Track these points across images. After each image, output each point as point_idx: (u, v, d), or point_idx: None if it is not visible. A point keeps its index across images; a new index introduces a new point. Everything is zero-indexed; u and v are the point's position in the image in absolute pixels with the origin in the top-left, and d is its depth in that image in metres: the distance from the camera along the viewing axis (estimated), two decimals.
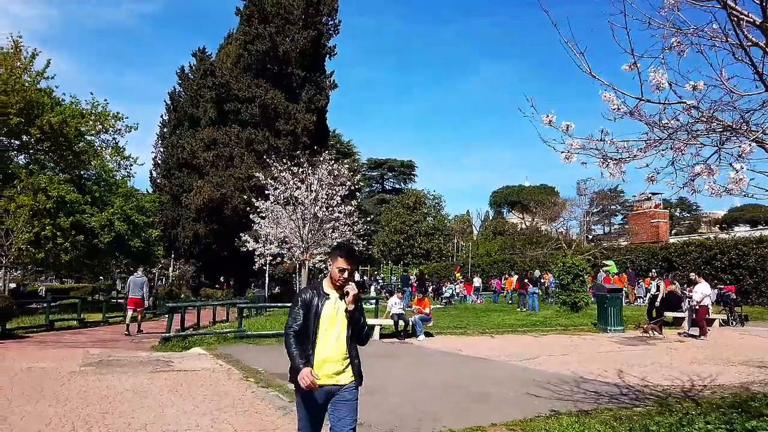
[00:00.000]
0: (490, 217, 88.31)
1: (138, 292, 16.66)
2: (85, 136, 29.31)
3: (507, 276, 34.28)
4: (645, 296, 24.91)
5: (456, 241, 74.28)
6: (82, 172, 29.16)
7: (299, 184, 16.45)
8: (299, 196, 16.40)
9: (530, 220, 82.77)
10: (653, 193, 35.53)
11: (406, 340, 13.97)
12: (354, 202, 18.47)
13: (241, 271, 35.73)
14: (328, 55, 35.70)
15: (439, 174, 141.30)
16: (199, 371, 9.77)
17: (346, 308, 3.56)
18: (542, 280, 26.56)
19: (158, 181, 41.45)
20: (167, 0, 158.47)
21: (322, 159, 16.90)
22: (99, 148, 30.51)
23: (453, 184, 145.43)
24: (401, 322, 14.22)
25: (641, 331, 14.79)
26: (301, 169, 16.75)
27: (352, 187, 17.53)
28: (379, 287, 38.34)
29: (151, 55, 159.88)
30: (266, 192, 17.09)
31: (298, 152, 18.66)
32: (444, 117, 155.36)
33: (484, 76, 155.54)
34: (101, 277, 41.97)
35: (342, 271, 3.57)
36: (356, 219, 17.73)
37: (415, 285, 27.80)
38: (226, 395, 7.76)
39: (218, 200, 31.49)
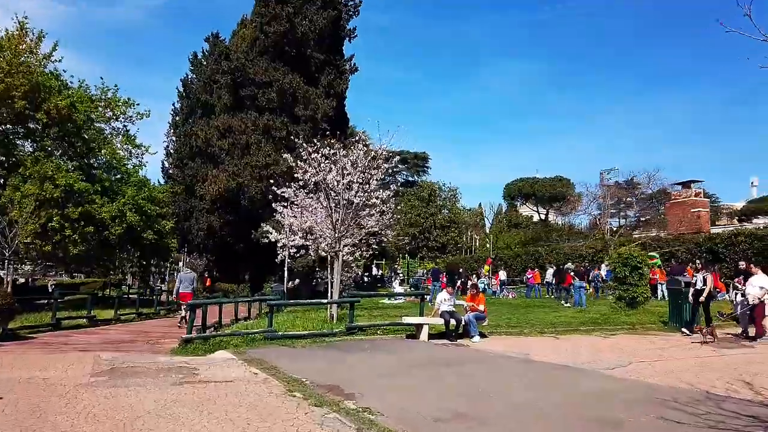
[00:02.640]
0: (503, 210, 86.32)
1: (189, 287, 16.78)
2: (95, 123, 27.85)
3: (533, 269, 32.47)
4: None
5: (470, 233, 72.56)
6: (91, 161, 27.66)
7: (331, 166, 14.71)
8: (330, 181, 14.66)
9: (545, 212, 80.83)
10: (693, 181, 33.56)
11: (459, 341, 12.26)
12: (393, 187, 16.78)
13: (257, 265, 34.11)
14: (347, 38, 33.91)
15: (451, 168, 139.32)
16: (232, 382, 8.10)
17: None
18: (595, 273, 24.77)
19: (170, 171, 39.83)
20: None
21: (357, 139, 15.14)
22: (109, 136, 29.08)
23: (465, 178, 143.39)
24: (453, 321, 12.48)
25: (702, 335, 12.06)
26: (332, 151, 15.00)
27: (390, 170, 15.81)
28: (401, 279, 36.74)
29: (160, 50, 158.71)
30: (295, 175, 15.37)
31: (329, 136, 16.88)
32: (456, 112, 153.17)
33: (496, 72, 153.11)
34: (111, 272, 40.50)
35: None
36: (392, 206, 16.03)
37: (445, 278, 26.08)
38: (273, 419, 6.08)
39: (234, 190, 29.83)
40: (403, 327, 13.24)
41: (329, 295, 15.86)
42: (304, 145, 15.24)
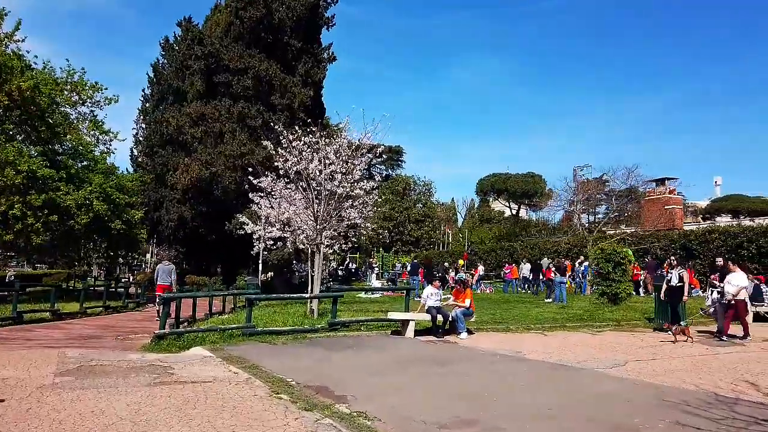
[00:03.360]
0: (476, 205, 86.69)
1: (167, 279, 16.60)
2: (60, 107, 26.54)
3: (510, 263, 32.34)
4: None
5: (443, 228, 72.67)
6: (56, 146, 26.38)
7: (313, 155, 14.11)
8: (312, 170, 14.07)
9: (516, 207, 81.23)
10: (667, 178, 33.88)
11: (445, 337, 11.85)
12: (377, 177, 16.32)
13: (230, 258, 33.23)
14: (326, 26, 33.09)
15: (425, 163, 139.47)
16: (212, 383, 7.51)
17: None
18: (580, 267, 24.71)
19: (139, 159, 38.48)
20: None
21: (343, 126, 14.51)
22: (75, 121, 27.79)
23: (439, 174, 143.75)
24: (440, 317, 12.07)
25: (673, 333, 11.45)
26: (314, 139, 14.40)
27: (374, 161, 15.26)
28: (378, 273, 36.33)
29: (128, 36, 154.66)
30: (275, 164, 14.71)
31: (310, 124, 16.19)
32: (429, 108, 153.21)
33: (470, 67, 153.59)
34: (76, 263, 39.03)
35: None
36: (376, 197, 15.50)
37: (423, 273, 25.73)
38: (261, 425, 5.55)
39: (207, 180, 28.84)
40: (388, 323, 12.78)
41: (309, 289, 15.29)
42: (285, 132, 14.59)
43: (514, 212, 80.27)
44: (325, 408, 6.24)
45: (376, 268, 38.72)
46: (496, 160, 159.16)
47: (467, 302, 12.35)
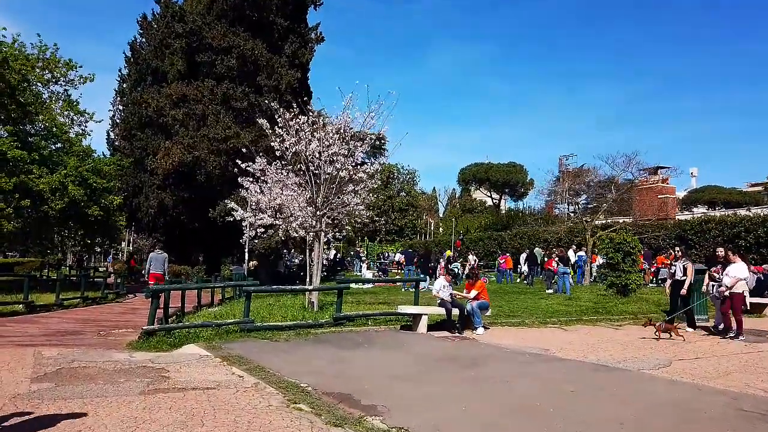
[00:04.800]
0: (457, 195, 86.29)
1: (160, 268, 16.82)
2: (32, 85, 24.90)
3: (504, 253, 31.67)
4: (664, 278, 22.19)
5: (425, 217, 72.16)
6: (27, 127, 24.75)
7: (312, 135, 13.04)
8: (311, 152, 13.01)
9: (498, 197, 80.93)
10: (661, 167, 33.46)
11: (463, 332, 10.96)
12: (383, 159, 15.29)
13: (213, 246, 31.93)
14: (313, 5, 31.76)
15: (403, 152, 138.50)
16: (216, 390, 6.49)
17: None
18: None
19: (117, 143, 36.71)
20: None
21: (345, 104, 13.34)
22: (48, 100, 26.18)
23: (418, 163, 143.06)
24: (455, 311, 11.17)
25: (656, 330, 10.62)
26: (312, 119, 13.33)
27: (377, 143, 14.27)
28: (369, 263, 35.44)
29: (103, 17, 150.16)
30: (271, 144, 13.58)
31: (305, 103, 15.07)
32: (405, 95, 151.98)
33: (447, 55, 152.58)
34: (49, 251, 37.19)
35: None
36: (378, 182, 14.48)
37: (417, 263, 24.90)
38: None
39: (190, 164, 27.43)
40: (396, 317, 11.86)
41: (308, 280, 14.27)
42: (280, 110, 13.47)
43: (495, 202, 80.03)
44: (357, 423, 5.30)
45: (364, 258, 37.73)
46: (476, 150, 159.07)
47: (473, 293, 11.39)
